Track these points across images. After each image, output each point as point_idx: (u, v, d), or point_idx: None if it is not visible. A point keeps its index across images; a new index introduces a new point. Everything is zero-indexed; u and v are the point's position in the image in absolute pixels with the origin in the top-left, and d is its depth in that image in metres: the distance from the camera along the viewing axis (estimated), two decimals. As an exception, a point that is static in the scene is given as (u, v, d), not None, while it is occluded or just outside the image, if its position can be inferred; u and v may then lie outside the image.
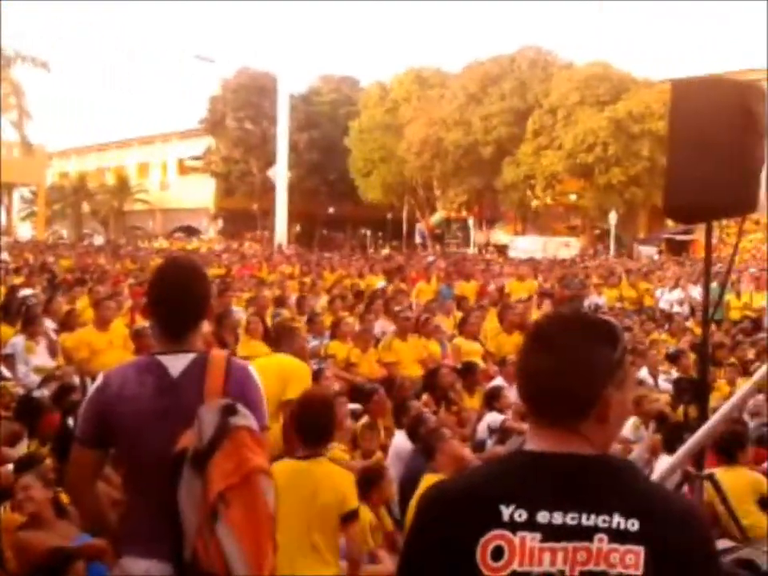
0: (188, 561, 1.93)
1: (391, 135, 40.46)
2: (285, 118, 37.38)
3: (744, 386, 4.22)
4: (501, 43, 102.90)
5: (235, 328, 7.95)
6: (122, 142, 56.32)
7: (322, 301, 11.17)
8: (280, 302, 10.26)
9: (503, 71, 38.02)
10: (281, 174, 36.96)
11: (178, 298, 2.24)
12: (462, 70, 40.71)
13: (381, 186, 41.67)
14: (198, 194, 47.86)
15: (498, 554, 1.30)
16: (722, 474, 4.46)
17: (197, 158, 48.21)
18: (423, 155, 38.24)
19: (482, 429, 6.23)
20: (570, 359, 1.39)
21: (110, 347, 7.14)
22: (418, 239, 44.29)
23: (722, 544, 3.00)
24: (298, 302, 10.58)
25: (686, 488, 4.17)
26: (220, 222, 49.64)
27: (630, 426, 6.09)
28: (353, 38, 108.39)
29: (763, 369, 4.15)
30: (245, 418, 2.04)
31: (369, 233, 47.86)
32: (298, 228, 46.39)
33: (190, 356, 2.19)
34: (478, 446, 6.01)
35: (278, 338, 5.29)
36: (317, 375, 5.81)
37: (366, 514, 4.11)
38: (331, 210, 45.79)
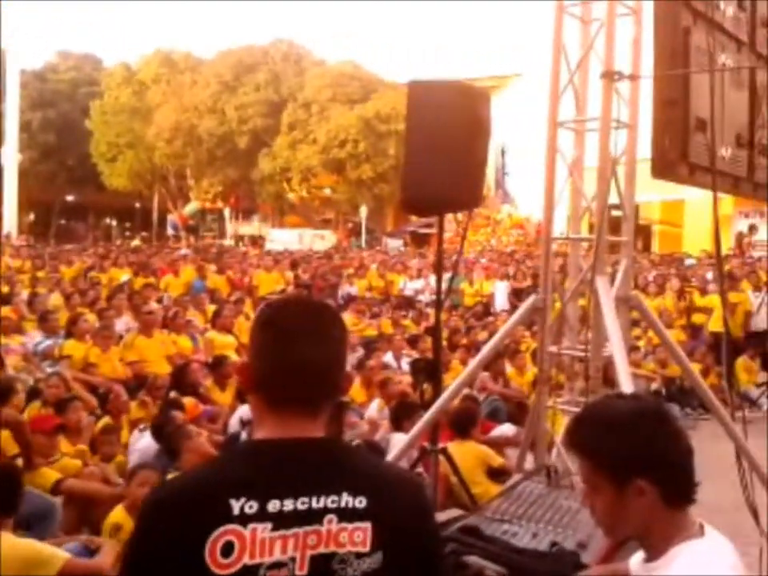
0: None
1: (139, 119, 38.30)
2: (15, 96, 33.76)
3: (471, 364, 4.62)
4: (253, 33, 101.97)
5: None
6: None
7: (56, 297, 10.26)
8: (6, 299, 9.23)
9: (256, 62, 37.81)
10: (10, 156, 33.38)
11: None
12: (215, 56, 39.77)
13: (128, 173, 39.26)
14: None
15: (228, 549, 1.25)
16: (454, 448, 4.86)
17: None
18: (175, 142, 36.77)
19: (234, 422, 6.15)
20: (334, 345, 1.42)
21: None
22: (170, 231, 42.48)
23: (452, 513, 3.24)
24: (29, 299, 9.62)
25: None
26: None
27: (375, 407, 6.40)
28: (96, 16, 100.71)
29: (486, 349, 4.59)
30: None
31: (115, 223, 44.86)
32: (31, 217, 42.09)
33: None
34: (231, 440, 5.92)
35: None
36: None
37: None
38: (71, 197, 42.15)
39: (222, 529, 1.26)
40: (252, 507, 1.28)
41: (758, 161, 5.30)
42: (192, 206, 41.61)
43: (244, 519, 1.27)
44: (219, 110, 36.87)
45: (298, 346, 1.38)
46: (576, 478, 3.59)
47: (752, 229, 22.55)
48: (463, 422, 5.19)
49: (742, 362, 9.29)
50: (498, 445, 5.72)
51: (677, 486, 1.50)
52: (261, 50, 38.72)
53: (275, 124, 36.16)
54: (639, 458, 1.47)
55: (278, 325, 1.43)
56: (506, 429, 6.20)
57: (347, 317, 10.86)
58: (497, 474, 5.06)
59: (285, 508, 1.29)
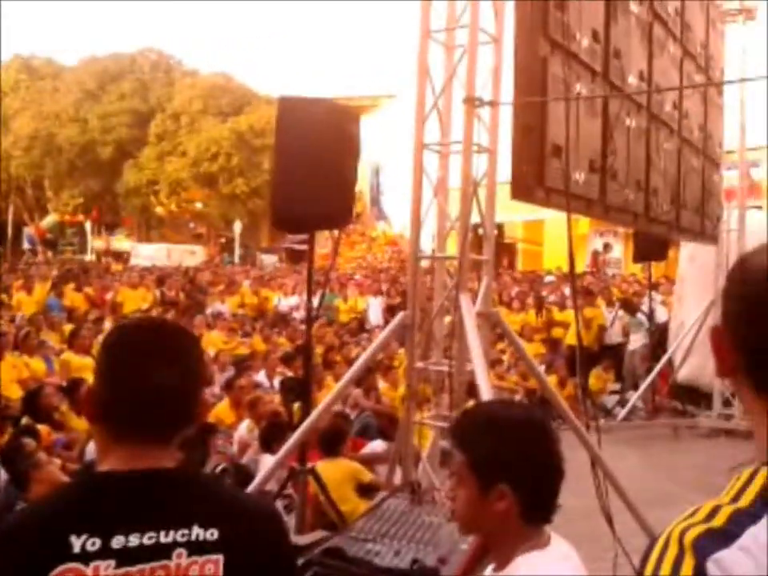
0: None
1: (-7, 127, 35.79)
2: None
3: (341, 381, 4.61)
4: (121, 41, 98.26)
5: None
6: None
7: None
8: None
9: (123, 70, 36.44)
10: None
11: None
12: (78, 63, 37.95)
13: (-21, 183, 36.52)
14: None
15: None
16: (323, 466, 4.82)
17: None
18: (32, 151, 34.63)
19: (91, 449, 5.80)
20: (186, 371, 1.35)
21: None
22: (26, 245, 39.80)
23: (316, 535, 3.20)
24: None
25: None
26: None
27: (244, 428, 6.25)
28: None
29: (356, 365, 4.60)
30: None
31: (-37, 236, 41.50)
32: None
33: None
34: (87, 468, 5.58)
35: None
36: None
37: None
38: None
39: (61, 567, 1.19)
40: (94, 544, 1.22)
41: (609, 185, 5.69)
42: (50, 219, 39.22)
43: (86, 557, 1.21)
44: (81, 119, 35.15)
45: (146, 371, 1.32)
46: (440, 494, 3.66)
47: (606, 247, 24.10)
48: (332, 440, 5.17)
49: (596, 373, 9.87)
50: (369, 462, 5.74)
51: (537, 502, 1.53)
52: (128, 58, 37.36)
53: (142, 135, 34.92)
54: (507, 465, 1.51)
55: (126, 348, 1.37)
56: (376, 445, 6.23)
57: (216, 335, 10.58)
58: (367, 491, 5.07)
59: (130, 544, 1.24)
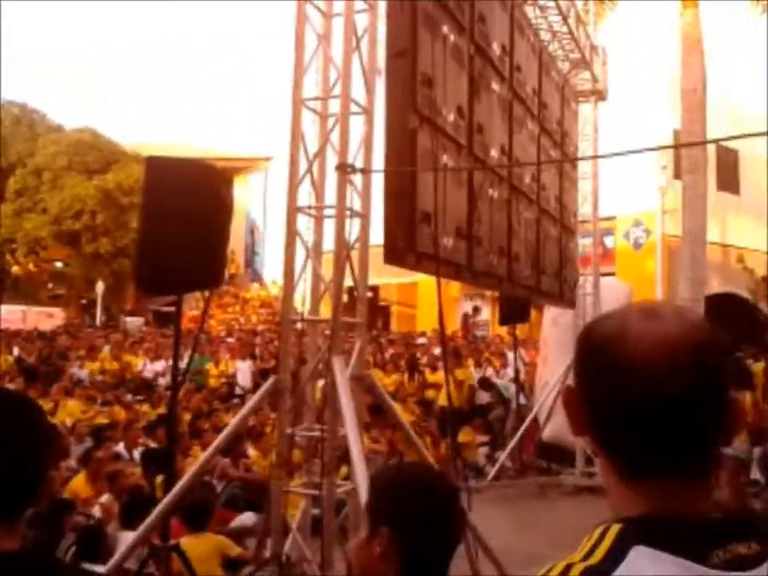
0: None
1: None
2: None
3: (207, 450, 4.42)
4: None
5: None
6: None
7: None
8: None
9: (-20, 123, 34.45)
10: None
11: None
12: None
13: None
14: None
15: None
16: (188, 542, 4.56)
17: None
18: None
19: None
20: (22, 445, 1.24)
21: None
22: None
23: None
24: None
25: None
26: None
27: (104, 503, 5.83)
28: None
29: (224, 433, 4.42)
30: None
31: None
32: None
33: None
34: None
35: None
36: None
37: None
38: None
39: None
40: None
41: (475, 251, 5.94)
42: None
43: None
44: (-70, 172, 32.73)
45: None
46: (310, 566, 3.53)
47: (476, 310, 24.97)
48: (197, 514, 4.90)
49: (466, 431, 10.06)
50: (238, 535, 5.49)
51: (417, 557, 1.53)
52: (-13, 111, 35.42)
53: (-1, 190, 32.93)
54: (390, 510, 1.56)
55: None
56: (246, 518, 5.97)
57: (74, 404, 9.92)
58: (235, 565, 4.83)
59: None
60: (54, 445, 1.43)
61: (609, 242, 18.91)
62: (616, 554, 0.85)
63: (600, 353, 0.92)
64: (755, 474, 8.33)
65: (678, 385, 0.87)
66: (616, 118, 12.91)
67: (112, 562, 3.94)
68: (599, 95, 10.24)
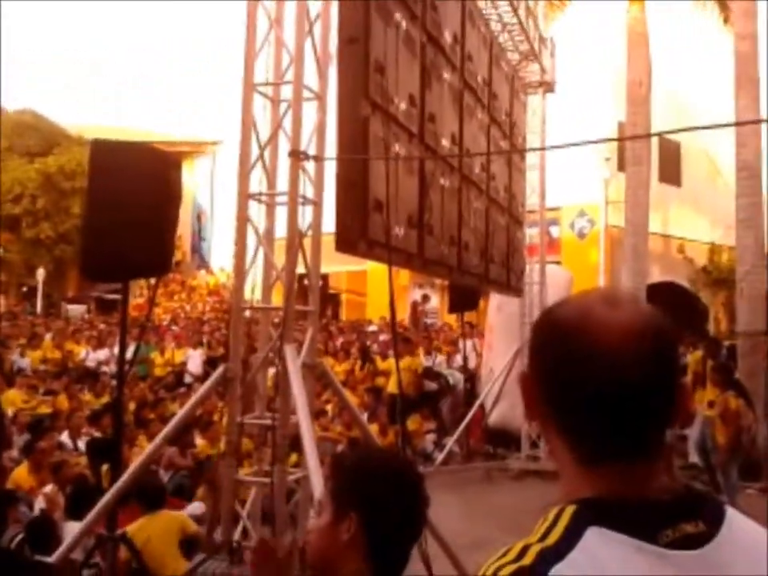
0: None
1: None
2: None
3: (155, 439, 4.36)
4: None
5: None
6: None
7: None
8: None
9: None
10: None
11: None
12: None
13: None
14: None
15: None
16: (146, 521, 4.52)
17: None
18: None
19: None
20: None
21: None
22: None
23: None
24: None
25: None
26: None
27: (47, 494, 5.70)
28: None
29: (172, 422, 4.37)
30: None
31: None
32: None
33: None
34: None
35: None
36: None
37: None
38: None
39: None
40: None
41: (427, 240, 5.97)
42: None
43: None
44: None
45: None
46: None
47: (425, 298, 25.14)
48: (152, 494, 4.85)
49: (414, 419, 10.15)
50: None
51: (383, 543, 1.54)
52: None
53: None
54: (360, 495, 1.54)
55: None
56: (196, 507, 5.92)
57: (16, 393, 9.65)
58: (192, 546, 4.80)
59: None
60: (2, 433, 1.39)
61: (554, 231, 19.25)
62: (572, 535, 0.87)
63: (561, 339, 0.93)
64: (693, 457, 8.64)
65: (640, 372, 0.89)
66: (563, 110, 13.12)
67: (58, 552, 3.87)
68: (547, 87, 10.38)
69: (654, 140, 15.64)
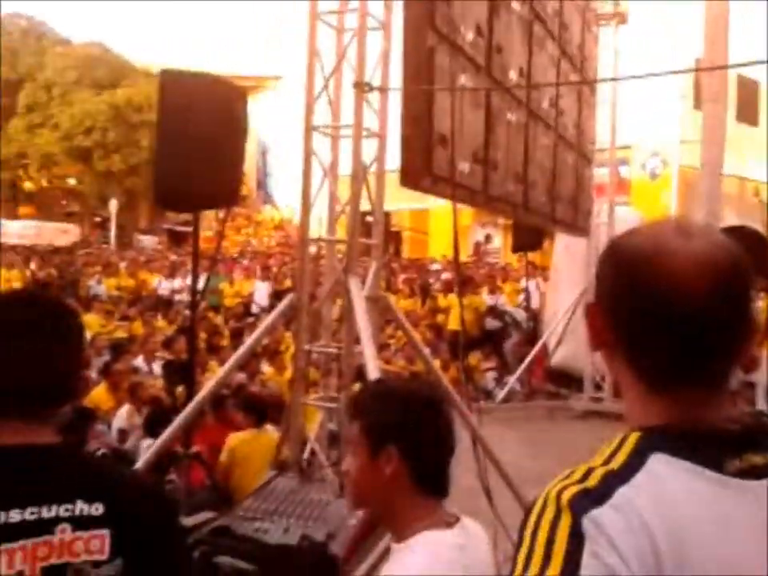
0: None
1: None
2: None
3: (226, 365, 4.55)
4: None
5: None
6: None
7: None
8: None
9: (-13, 35, 33.77)
10: None
11: None
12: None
13: None
14: None
15: None
16: (251, 437, 4.79)
17: None
18: None
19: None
20: (61, 344, 1.32)
21: None
22: None
23: (204, 516, 3.17)
24: None
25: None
26: None
27: (123, 414, 6.05)
28: None
29: (242, 349, 4.55)
30: None
31: None
32: None
33: None
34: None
35: None
36: None
37: None
38: None
39: None
40: None
41: (491, 176, 5.90)
42: None
43: None
44: (-60, 86, 32.35)
45: (17, 343, 1.29)
46: (328, 472, 3.71)
47: (487, 238, 24.91)
48: (260, 409, 5.04)
49: (475, 356, 10.24)
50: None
51: (426, 468, 1.56)
52: (-6, 22, 34.65)
53: (10, 104, 32.53)
54: (396, 428, 1.54)
55: (1, 322, 1.32)
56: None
57: (93, 318, 10.13)
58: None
59: (10, 520, 1.21)
60: (85, 346, 1.51)
61: (624, 171, 18.66)
62: (636, 460, 0.88)
63: (633, 267, 0.94)
64: (762, 405, 8.47)
65: (713, 301, 0.90)
66: (637, 44, 12.52)
67: (136, 467, 4.13)
68: (621, 18, 9.91)
69: (732, 78, 14.82)
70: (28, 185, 34.42)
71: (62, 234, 28.63)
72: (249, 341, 4.60)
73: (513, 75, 6.28)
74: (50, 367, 1.31)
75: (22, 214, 35.13)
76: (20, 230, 28.43)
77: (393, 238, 27.33)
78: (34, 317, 1.33)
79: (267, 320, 4.69)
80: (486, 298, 12.40)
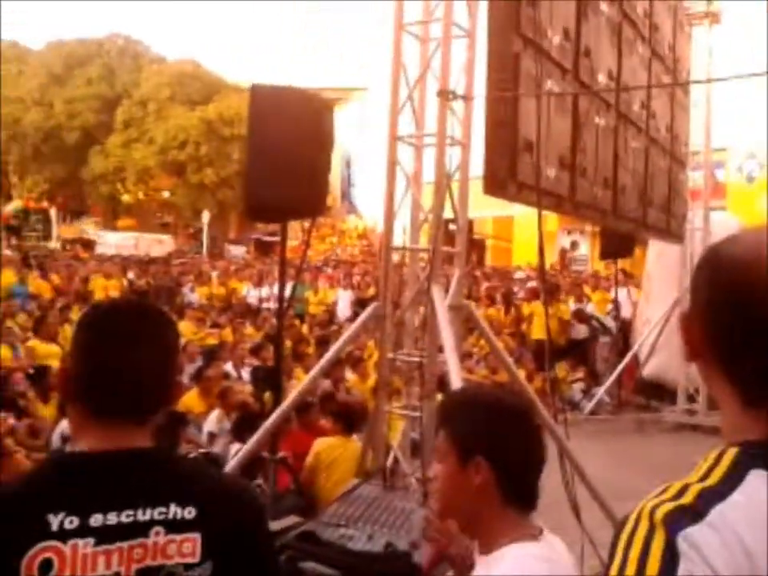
0: None
1: (-45, 111, 34.86)
2: None
3: (311, 372, 4.62)
4: (87, 26, 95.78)
5: None
6: None
7: None
8: None
9: (89, 54, 35.69)
10: None
11: None
12: (44, 47, 37.11)
13: (-60, 168, 35.56)
14: None
15: (46, 567, 1.20)
16: (338, 444, 4.82)
17: None
18: (-3, 136, 33.81)
19: (56, 438, 5.74)
20: (162, 351, 1.37)
21: None
22: (-12, 231, 38.85)
23: (289, 521, 3.23)
24: None
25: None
26: None
27: (213, 419, 6.23)
28: None
29: (326, 356, 4.61)
30: None
31: None
32: None
33: None
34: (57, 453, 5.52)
35: None
36: None
37: None
38: None
39: (39, 546, 1.20)
40: (72, 522, 1.23)
41: (579, 182, 5.77)
42: (14, 205, 38.38)
43: (64, 535, 1.22)
44: (47, 103, 34.41)
45: (122, 350, 1.33)
46: (411, 479, 3.70)
47: (573, 245, 24.38)
48: (352, 417, 5.10)
49: (561, 367, 10.02)
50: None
51: (515, 480, 1.52)
52: (95, 42, 36.61)
53: (108, 121, 34.28)
54: (486, 438, 1.51)
55: (101, 327, 1.37)
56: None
57: (186, 325, 10.51)
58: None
59: (108, 522, 1.25)
60: (179, 353, 1.55)
61: (720, 174, 17.88)
62: (734, 477, 0.85)
63: (733, 277, 0.90)
64: None
65: None
66: (731, 44, 11.99)
67: (225, 470, 4.24)
68: (714, 18, 9.52)
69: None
70: (125, 198, 36.13)
71: (157, 244, 29.91)
72: (333, 348, 4.66)
73: (602, 78, 6.14)
74: (155, 374, 1.36)
75: (121, 226, 36.91)
76: (119, 241, 29.92)
77: (476, 245, 27.15)
78: (142, 325, 1.38)
79: (351, 328, 4.74)
80: (571, 307, 12.12)
